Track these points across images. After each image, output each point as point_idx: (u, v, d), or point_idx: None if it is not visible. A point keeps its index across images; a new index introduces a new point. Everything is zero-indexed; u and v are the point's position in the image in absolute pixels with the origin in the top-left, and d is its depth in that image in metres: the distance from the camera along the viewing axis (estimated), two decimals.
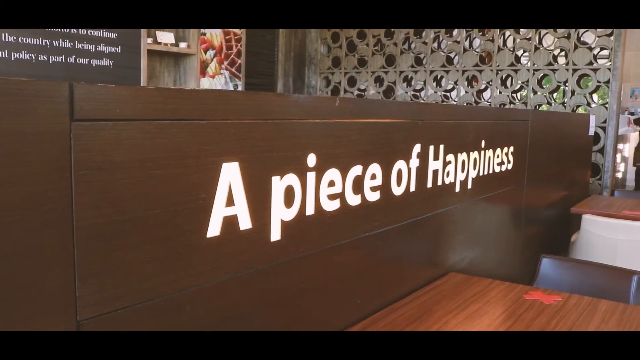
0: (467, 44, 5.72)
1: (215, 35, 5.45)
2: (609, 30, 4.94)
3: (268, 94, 1.30)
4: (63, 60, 3.96)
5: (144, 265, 1.04)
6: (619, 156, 8.01)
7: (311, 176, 1.40)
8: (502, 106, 5.45)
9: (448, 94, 5.91)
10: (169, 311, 1.11)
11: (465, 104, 5.61)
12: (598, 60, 5.08)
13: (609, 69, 4.95)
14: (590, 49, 5.05)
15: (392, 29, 6.02)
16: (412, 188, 1.88)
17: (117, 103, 0.95)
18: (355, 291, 1.70)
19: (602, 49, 5.07)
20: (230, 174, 1.18)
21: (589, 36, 5.15)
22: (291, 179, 1.34)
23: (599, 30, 5.02)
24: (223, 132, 1.16)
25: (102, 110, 0.92)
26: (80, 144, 0.90)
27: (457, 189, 2.21)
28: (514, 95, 5.52)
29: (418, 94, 6.02)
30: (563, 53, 5.23)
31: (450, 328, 1.70)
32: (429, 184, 1.99)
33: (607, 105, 5.03)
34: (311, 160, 1.39)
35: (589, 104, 5.12)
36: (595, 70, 5.02)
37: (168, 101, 1.04)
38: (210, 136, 1.13)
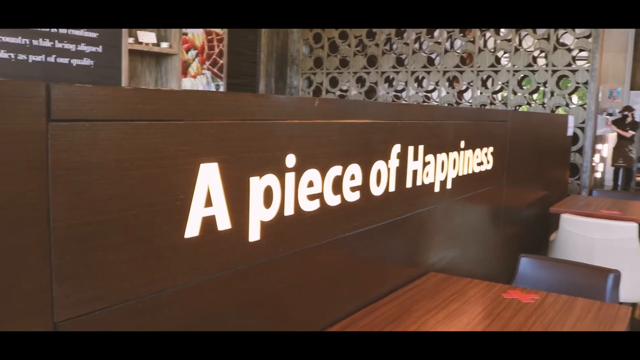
0: (448, 44, 5.76)
1: (197, 35, 5.44)
2: (587, 32, 5.01)
3: (247, 94, 1.30)
4: (43, 60, 3.93)
5: (122, 266, 1.04)
6: (597, 156, 8.12)
7: (290, 176, 1.41)
8: (482, 107, 5.50)
9: (429, 95, 5.95)
10: (148, 312, 1.11)
11: (446, 105, 5.65)
12: (577, 62, 5.15)
13: (588, 71, 5.01)
14: (569, 50, 5.11)
15: (374, 30, 6.05)
16: (392, 188, 1.90)
17: (94, 103, 0.95)
18: (335, 291, 1.71)
19: (580, 50, 5.14)
20: (209, 175, 1.18)
21: (568, 38, 5.22)
22: (270, 179, 1.34)
23: (577, 32, 5.08)
24: (201, 133, 1.16)
25: (79, 111, 0.92)
26: (57, 145, 0.90)
27: (437, 189, 2.23)
28: (495, 96, 5.58)
29: (399, 94, 6.05)
30: (543, 54, 5.29)
31: (429, 327, 1.71)
32: (409, 184, 2.00)
33: (585, 106, 5.10)
34: (290, 160, 1.40)
35: (568, 105, 5.19)
36: (574, 71, 5.09)
37: (146, 102, 1.04)
38: (188, 137, 1.13)
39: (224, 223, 1.23)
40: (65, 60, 4.04)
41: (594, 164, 5.53)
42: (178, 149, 1.11)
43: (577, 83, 5.08)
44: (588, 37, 5.01)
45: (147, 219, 1.07)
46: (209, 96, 1.20)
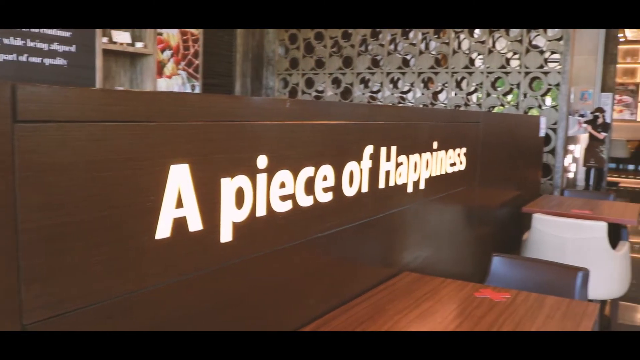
0: (422, 46, 5.81)
1: (172, 35, 5.41)
2: (559, 35, 5.09)
3: (217, 95, 1.30)
4: (15, 59, 3.87)
5: (92, 267, 1.04)
6: (570, 157, 8.24)
7: (262, 177, 1.41)
8: (457, 108, 5.55)
9: (404, 96, 5.99)
10: (119, 313, 1.10)
11: (421, 106, 5.69)
12: (549, 64, 5.23)
13: (559, 73, 5.09)
14: (542, 52, 5.19)
15: (349, 31, 6.07)
16: (364, 189, 1.91)
17: (62, 104, 0.94)
18: (308, 291, 1.72)
19: (552, 53, 5.22)
20: (180, 176, 1.18)
21: (541, 40, 5.29)
22: (242, 180, 1.35)
23: (549, 34, 5.16)
24: (172, 134, 1.16)
25: (46, 112, 0.92)
26: (23, 146, 0.89)
27: (410, 189, 2.25)
28: (469, 97, 5.64)
29: (375, 95, 6.08)
30: (516, 56, 5.36)
31: (401, 327, 1.73)
32: (381, 185, 2.02)
33: (557, 108, 5.18)
34: (262, 161, 1.40)
35: (540, 106, 5.26)
36: (546, 73, 5.16)
37: (115, 103, 1.04)
38: (158, 138, 1.13)
39: (195, 224, 1.24)
40: (37, 60, 3.99)
41: (566, 165, 5.62)
42: (148, 151, 1.11)
43: (549, 85, 5.16)
44: (559, 39, 5.09)
45: (117, 220, 1.07)
46: (179, 97, 1.20)
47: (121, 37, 4.72)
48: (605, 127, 8.92)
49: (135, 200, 1.10)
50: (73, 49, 4.25)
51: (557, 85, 5.11)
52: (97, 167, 1.01)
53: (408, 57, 5.89)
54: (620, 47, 12.90)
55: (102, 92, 1.02)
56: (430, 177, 2.42)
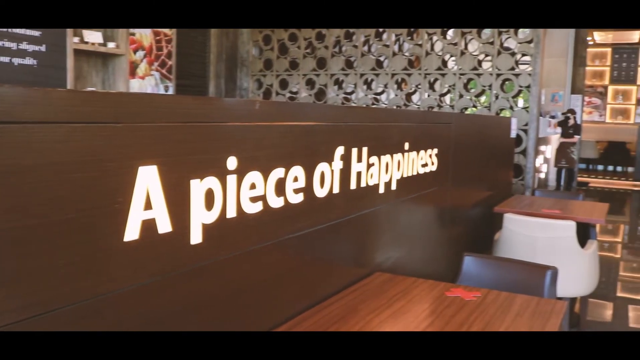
0: (396, 47, 5.84)
1: (145, 35, 5.36)
2: (529, 38, 5.16)
3: (186, 96, 1.30)
4: None
5: (60, 270, 1.03)
6: (541, 157, 8.36)
7: (232, 179, 1.41)
8: (430, 109, 5.60)
9: (378, 97, 6.02)
10: (88, 316, 1.09)
11: (395, 107, 5.73)
12: (520, 66, 5.30)
13: (530, 75, 5.16)
14: (513, 54, 5.26)
15: (323, 32, 6.08)
16: (336, 190, 1.92)
17: (26, 105, 0.93)
18: (280, 292, 1.72)
19: (523, 55, 5.29)
20: (148, 178, 1.17)
21: (512, 42, 5.37)
22: (211, 181, 1.34)
23: (520, 37, 5.23)
24: (140, 136, 1.15)
25: (10, 113, 0.91)
26: None
27: (381, 190, 2.26)
28: (443, 98, 5.69)
29: (349, 96, 6.10)
30: (488, 58, 5.42)
31: (373, 327, 1.74)
32: (353, 186, 2.03)
33: (528, 109, 5.25)
34: (232, 163, 1.40)
35: (512, 108, 5.33)
36: (517, 75, 5.23)
37: (81, 104, 1.03)
38: (126, 139, 1.12)
39: (164, 226, 1.23)
40: (6, 59, 3.93)
41: (537, 165, 5.70)
42: (116, 152, 1.10)
43: (520, 86, 5.23)
44: (530, 42, 5.16)
45: (84, 222, 1.06)
46: (146, 98, 1.20)
47: (93, 37, 4.67)
48: (576, 128, 9.07)
49: (103, 202, 1.09)
50: (43, 48, 4.19)
51: (528, 87, 5.19)
52: (63, 168, 1.00)
53: (381, 58, 5.92)
54: (589, 50, 13.15)
55: (67, 93, 1.01)
56: (402, 177, 2.44)
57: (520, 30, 5.34)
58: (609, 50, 14.99)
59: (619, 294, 5.06)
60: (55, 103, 0.98)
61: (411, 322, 1.79)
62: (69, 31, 4.34)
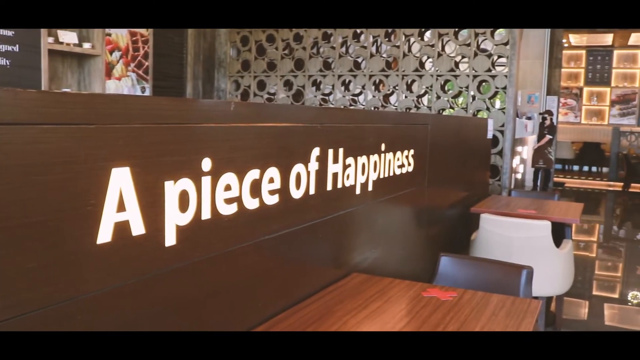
0: (373, 49, 5.86)
1: (121, 36, 5.32)
2: (505, 40, 5.22)
3: (159, 97, 1.29)
4: None
5: (30, 273, 1.01)
6: (518, 158, 8.45)
7: (207, 180, 1.40)
8: (408, 110, 5.63)
9: (356, 98, 6.04)
10: (59, 320, 1.08)
11: (372, 108, 5.75)
12: (496, 68, 5.35)
13: (506, 76, 5.22)
14: (489, 56, 5.31)
15: (301, 33, 6.09)
16: (312, 191, 1.92)
17: None
18: (256, 294, 1.71)
19: (499, 57, 5.34)
20: (121, 179, 1.16)
21: (488, 44, 5.42)
22: (186, 183, 1.34)
23: (496, 39, 5.28)
24: (113, 137, 1.14)
25: None
26: None
27: (358, 191, 2.27)
28: (421, 99, 5.72)
29: (327, 97, 6.11)
30: (465, 60, 5.47)
31: (350, 327, 1.74)
32: (329, 187, 2.03)
33: (505, 110, 5.30)
34: (206, 164, 1.40)
35: (488, 109, 5.38)
36: (493, 76, 5.28)
37: (51, 105, 1.02)
38: (98, 141, 1.11)
39: (138, 228, 1.22)
40: None
41: (514, 166, 5.75)
42: (88, 154, 1.09)
43: (497, 88, 5.28)
44: (506, 44, 5.22)
45: (55, 225, 1.04)
46: (119, 99, 1.19)
47: (68, 37, 4.61)
48: (552, 129, 9.18)
49: (74, 204, 1.08)
50: (16, 48, 4.12)
51: (505, 88, 5.24)
52: (33, 170, 0.99)
53: (359, 59, 5.94)
54: (565, 52, 13.34)
55: (37, 94, 1.00)
56: (378, 178, 2.45)
57: (497, 32, 5.39)
58: (583, 52, 15.21)
59: (595, 292, 5.13)
60: (25, 104, 0.97)
61: (387, 323, 1.79)
62: (43, 31, 4.28)
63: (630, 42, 14.39)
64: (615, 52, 14.97)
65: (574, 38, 14.53)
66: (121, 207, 1.17)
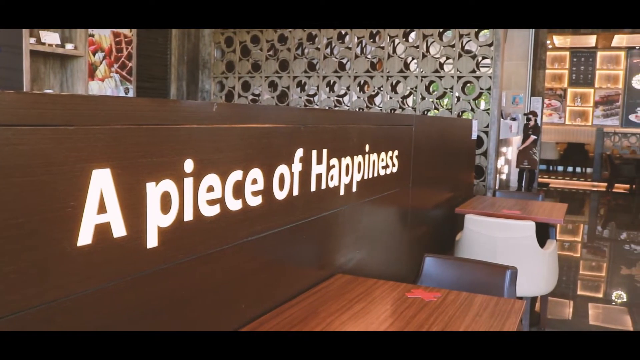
0: (358, 50, 5.87)
1: (104, 36, 5.28)
2: (489, 41, 5.24)
3: (141, 98, 1.28)
4: None
5: (8, 276, 1.00)
6: (503, 159, 8.50)
7: (189, 182, 1.40)
8: (393, 111, 5.64)
9: (341, 99, 6.04)
10: (39, 323, 1.07)
11: (357, 109, 5.75)
12: (481, 69, 5.38)
13: (490, 77, 5.24)
14: (474, 57, 5.33)
15: (286, 34, 6.08)
16: (295, 192, 1.91)
17: None
18: (240, 295, 1.71)
19: (483, 58, 5.37)
20: (102, 181, 1.15)
21: (473, 45, 5.44)
22: (167, 184, 1.33)
23: (480, 40, 5.31)
24: (93, 138, 1.13)
25: None
26: None
27: (342, 192, 2.27)
28: (406, 100, 5.73)
29: (312, 98, 6.11)
30: (450, 61, 5.49)
31: (334, 328, 1.74)
32: (313, 188, 2.03)
33: (489, 111, 5.33)
34: (188, 165, 1.39)
35: (473, 110, 5.40)
36: (478, 77, 5.31)
37: (30, 106, 1.00)
38: (78, 142, 1.10)
39: (119, 230, 1.21)
40: None
41: (499, 166, 5.79)
42: (67, 155, 1.08)
43: (481, 89, 5.31)
44: (490, 45, 5.25)
45: (34, 227, 1.03)
46: (100, 101, 1.18)
47: (50, 37, 4.57)
48: (536, 130, 9.25)
49: (54, 206, 1.07)
50: None
51: (489, 89, 5.26)
52: (11, 172, 0.98)
53: (344, 61, 5.94)
54: (549, 53, 13.45)
55: (15, 95, 0.99)
56: (362, 179, 2.45)
57: (481, 33, 5.42)
58: (567, 54, 15.35)
59: (579, 292, 5.17)
60: (3, 105, 0.96)
61: (372, 324, 1.79)
62: (25, 31, 4.24)
63: (614, 43, 14.54)
64: (599, 54, 15.13)
65: (558, 39, 14.65)
66: (102, 209, 1.16)
